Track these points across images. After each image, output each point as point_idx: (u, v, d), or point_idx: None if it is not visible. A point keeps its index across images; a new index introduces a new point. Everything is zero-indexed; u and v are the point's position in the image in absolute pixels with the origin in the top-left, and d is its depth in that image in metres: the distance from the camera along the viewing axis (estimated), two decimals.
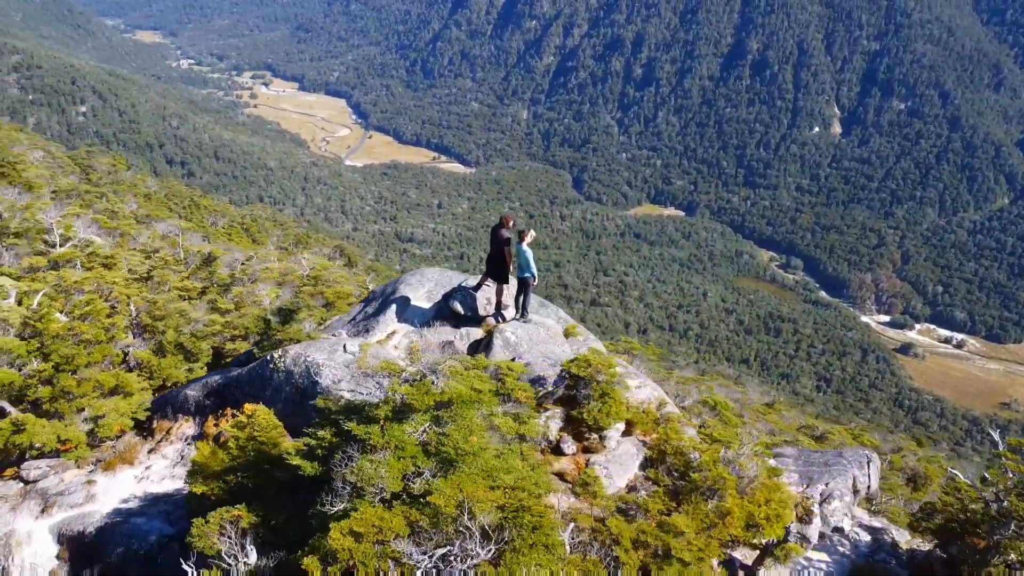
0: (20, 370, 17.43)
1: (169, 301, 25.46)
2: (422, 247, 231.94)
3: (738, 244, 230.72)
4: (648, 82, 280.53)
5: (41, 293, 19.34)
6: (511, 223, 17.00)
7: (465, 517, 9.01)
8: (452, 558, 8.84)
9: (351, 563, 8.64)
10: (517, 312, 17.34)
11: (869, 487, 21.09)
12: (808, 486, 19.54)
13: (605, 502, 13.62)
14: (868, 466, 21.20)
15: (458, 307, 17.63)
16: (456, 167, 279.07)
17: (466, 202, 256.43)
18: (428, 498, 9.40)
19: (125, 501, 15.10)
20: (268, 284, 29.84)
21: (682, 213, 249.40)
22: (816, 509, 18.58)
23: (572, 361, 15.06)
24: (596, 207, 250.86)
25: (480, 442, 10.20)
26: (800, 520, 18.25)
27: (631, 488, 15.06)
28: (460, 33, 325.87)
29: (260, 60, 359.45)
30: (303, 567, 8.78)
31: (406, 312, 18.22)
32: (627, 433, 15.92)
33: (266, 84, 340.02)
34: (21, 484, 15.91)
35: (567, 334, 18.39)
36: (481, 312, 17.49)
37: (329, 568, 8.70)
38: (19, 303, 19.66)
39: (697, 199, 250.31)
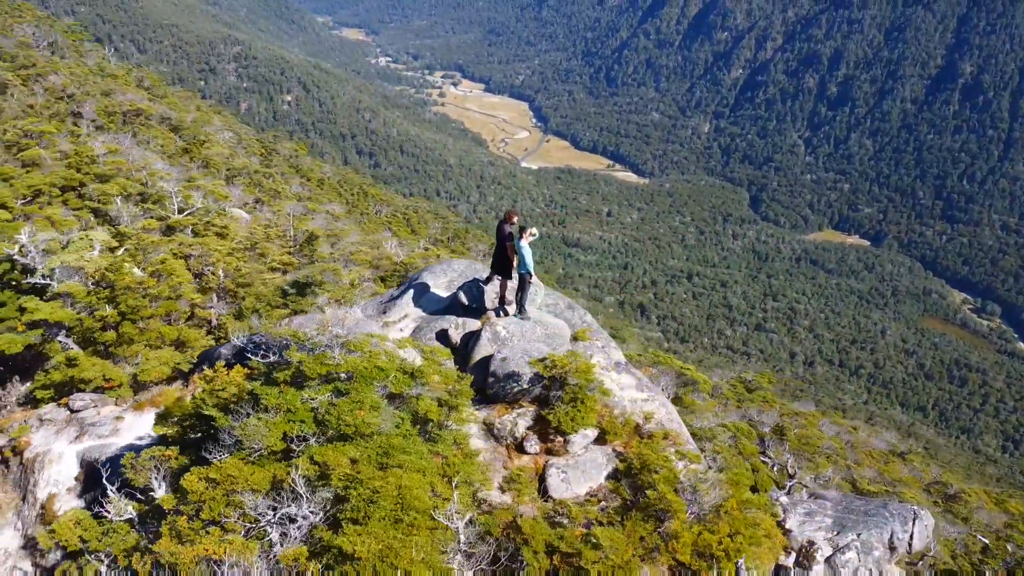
0: (91, 314, 19.75)
1: (257, 271, 27.66)
2: (586, 253, 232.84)
3: (927, 281, 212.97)
4: (843, 102, 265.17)
5: (123, 249, 21.75)
6: (515, 219, 17.11)
7: (319, 482, 9.41)
8: (297, 517, 9.24)
9: (200, 502, 9.28)
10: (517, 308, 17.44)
11: (910, 545, 19.38)
12: (838, 533, 18.26)
13: (538, 503, 13.48)
14: (912, 523, 19.50)
15: (462, 297, 17.98)
16: (629, 176, 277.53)
17: (636, 212, 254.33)
18: (293, 460, 9.88)
19: (140, 438, 16.74)
20: (360, 266, 31.56)
21: (867, 243, 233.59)
22: (820, 556, 17.33)
23: (540, 360, 14.97)
24: (772, 228, 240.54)
25: (367, 417, 10.52)
26: (798, 564, 17.11)
27: (591, 496, 14.74)
28: (647, 42, 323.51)
29: (451, 60, 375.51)
30: (162, 503, 9.53)
31: (422, 299, 18.80)
32: (602, 442, 15.57)
33: (455, 84, 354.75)
34: (67, 412, 18.07)
35: (577, 337, 18.18)
36: (488, 305, 17.72)
37: (182, 506, 9.38)
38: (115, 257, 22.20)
39: (885, 229, 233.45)
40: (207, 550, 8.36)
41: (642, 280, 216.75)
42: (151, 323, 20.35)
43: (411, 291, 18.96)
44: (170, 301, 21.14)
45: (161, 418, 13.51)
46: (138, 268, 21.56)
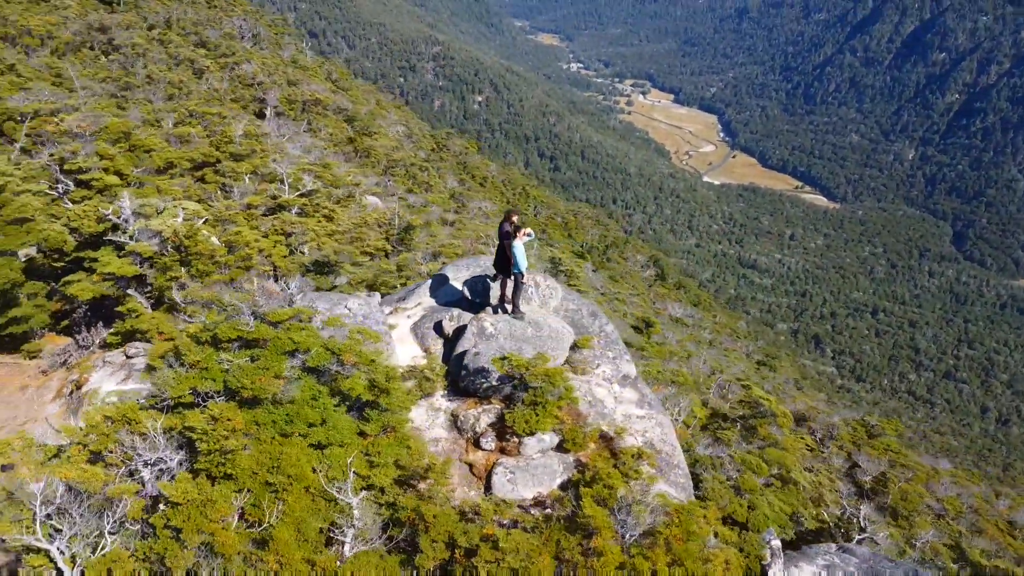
0: (164, 273, 22.05)
1: (349, 252, 29.45)
2: (763, 276, 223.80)
3: None
4: None
5: (203, 220, 24.01)
6: (514, 218, 17.19)
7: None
8: (159, 462, 10.15)
9: (88, 436, 10.41)
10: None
11: None
12: None
13: (469, 500, 13.64)
14: None
15: (466, 291, 18.31)
16: (818, 199, 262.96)
17: (822, 238, 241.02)
18: (185, 412, 10.80)
19: None
20: (449, 259, 32.70)
21: None
22: None
23: (501, 359, 15.03)
24: (975, 269, 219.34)
25: (266, 383, 11.23)
26: None
27: (538, 501, 14.63)
28: (854, 60, 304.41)
29: (642, 69, 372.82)
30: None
31: (439, 290, 19.33)
32: (565, 449, 15.36)
33: (643, 93, 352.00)
34: (124, 357, 20.34)
35: (579, 345, 17.96)
36: (492, 301, 17.92)
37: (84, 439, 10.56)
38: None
39: None
40: (65, 475, 9.41)
41: (820, 310, 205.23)
42: (317, 277, 22.40)
43: (430, 282, 19.58)
44: (238, 270, 23.08)
45: (147, 369, 15.01)
46: (216, 238, 23.75)
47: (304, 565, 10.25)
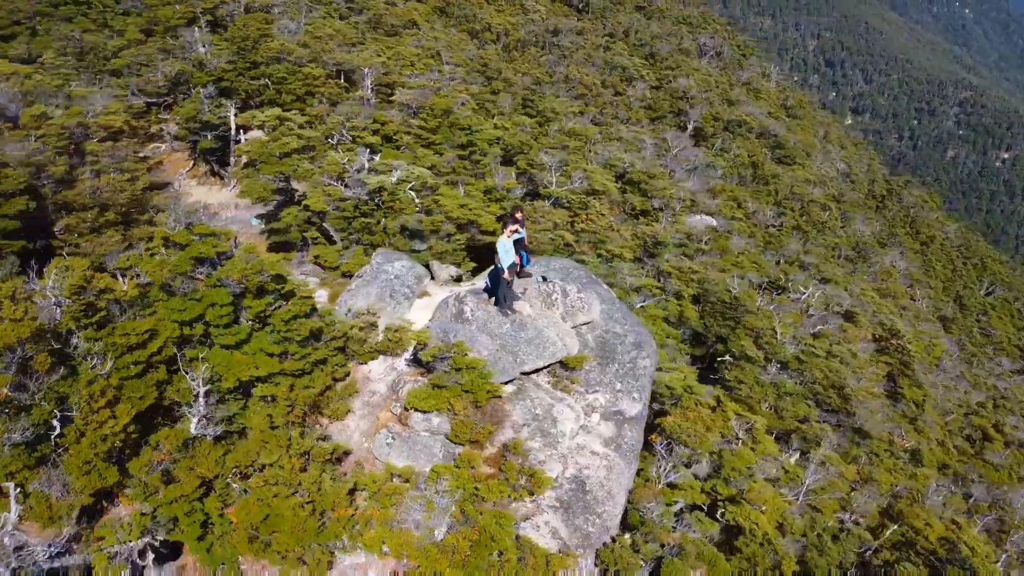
0: (364, 217, 26.64)
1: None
2: None
3: None
4: None
5: (409, 186, 27.74)
6: (517, 215, 17.26)
7: None
8: None
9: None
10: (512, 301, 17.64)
11: None
12: None
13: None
14: None
15: (488, 281, 18.74)
16: None
17: None
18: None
19: None
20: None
21: None
22: None
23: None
24: None
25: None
26: None
27: (403, 476, 15.18)
28: None
29: None
30: None
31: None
32: (455, 439, 15.47)
33: None
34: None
35: (567, 363, 17.25)
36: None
37: None
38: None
39: None
40: None
41: None
42: (398, 238, 26.25)
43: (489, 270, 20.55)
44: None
45: None
46: (418, 199, 27.53)
47: None
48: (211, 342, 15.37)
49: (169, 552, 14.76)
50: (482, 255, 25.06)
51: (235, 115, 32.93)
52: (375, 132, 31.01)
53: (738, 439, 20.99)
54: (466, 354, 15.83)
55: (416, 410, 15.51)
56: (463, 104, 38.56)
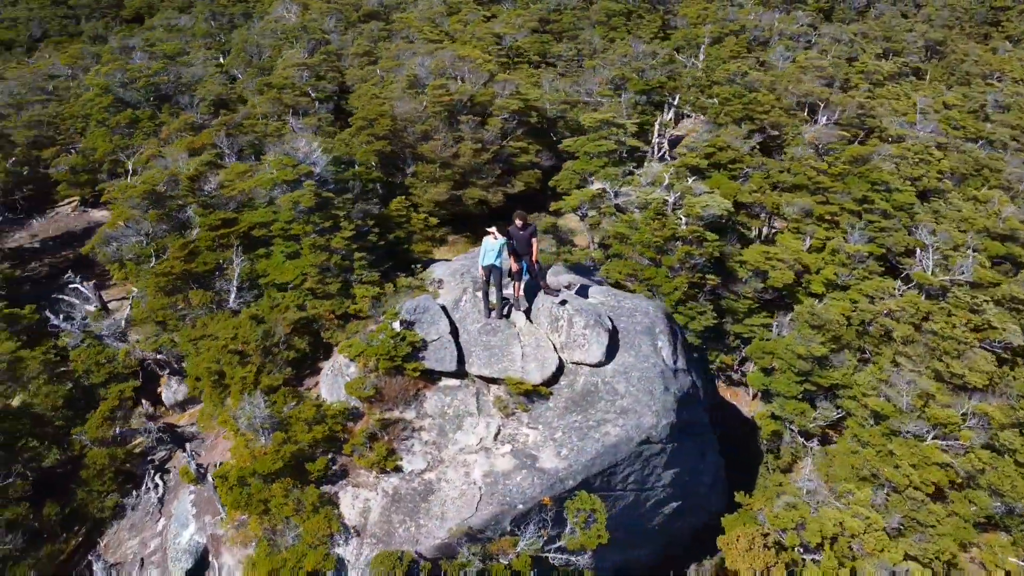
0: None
1: None
2: None
3: None
4: None
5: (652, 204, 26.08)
6: (517, 221, 16.91)
7: None
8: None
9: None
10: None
11: None
12: None
13: None
14: None
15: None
16: None
17: None
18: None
19: None
20: None
21: None
22: None
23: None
24: None
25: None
26: None
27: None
28: None
29: None
30: None
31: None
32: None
33: None
34: None
35: (512, 388, 16.08)
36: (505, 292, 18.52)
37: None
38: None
39: None
40: None
41: None
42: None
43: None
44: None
45: None
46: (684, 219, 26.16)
47: None
48: None
49: None
50: None
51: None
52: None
53: None
54: (414, 332, 17.01)
55: (342, 355, 17.45)
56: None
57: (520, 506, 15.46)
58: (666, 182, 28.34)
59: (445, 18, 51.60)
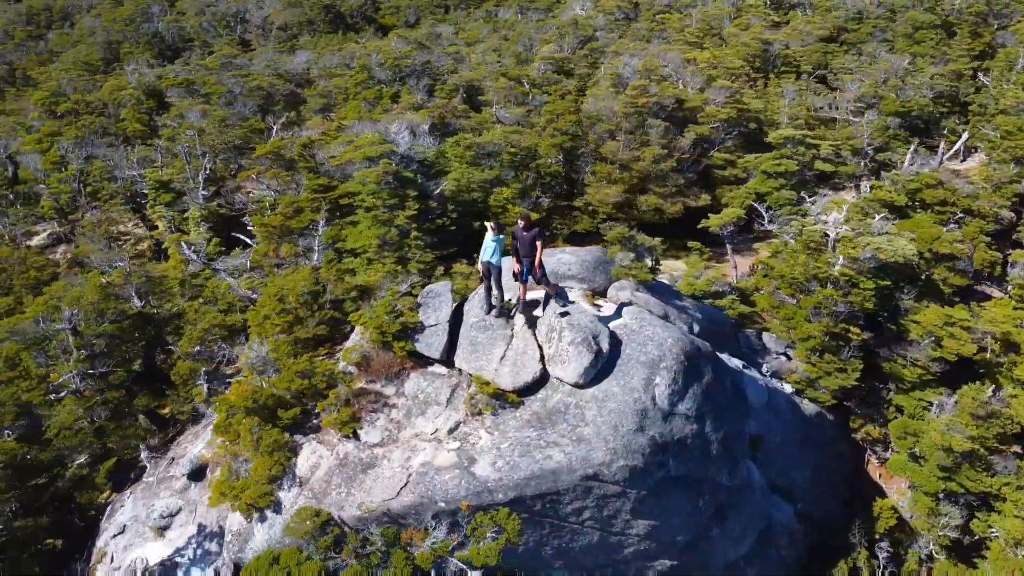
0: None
1: None
2: None
3: None
4: None
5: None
6: (520, 222, 16.52)
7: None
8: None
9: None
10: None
11: None
12: None
13: None
14: None
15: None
16: None
17: None
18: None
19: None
20: None
21: None
22: None
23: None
24: None
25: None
26: None
27: None
28: None
29: None
30: None
31: None
32: None
33: None
34: None
35: (479, 388, 15.54)
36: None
37: None
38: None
39: None
40: None
41: None
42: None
43: None
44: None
45: None
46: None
47: None
48: None
49: None
50: None
51: None
52: None
53: None
54: (415, 314, 17.52)
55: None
56: None
57: (441, 504, 15.25)
58: (842, 215, 24.62)
59: (728, 20, 49.55)
